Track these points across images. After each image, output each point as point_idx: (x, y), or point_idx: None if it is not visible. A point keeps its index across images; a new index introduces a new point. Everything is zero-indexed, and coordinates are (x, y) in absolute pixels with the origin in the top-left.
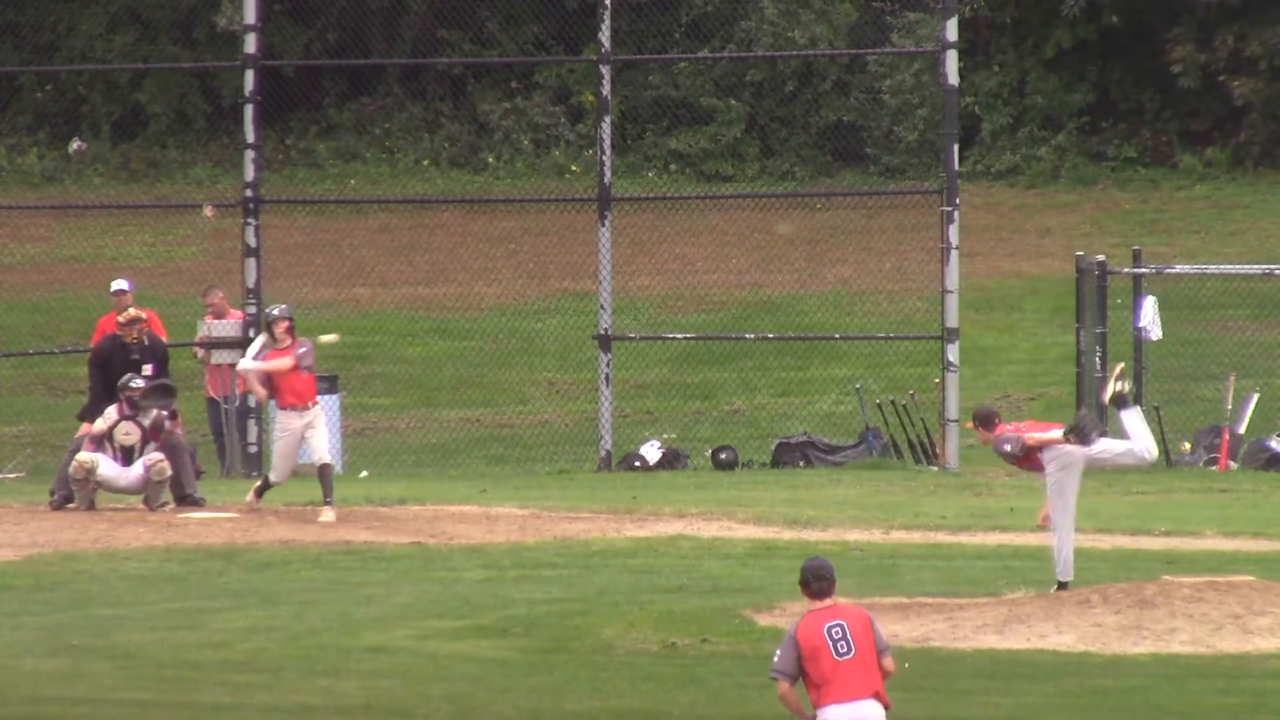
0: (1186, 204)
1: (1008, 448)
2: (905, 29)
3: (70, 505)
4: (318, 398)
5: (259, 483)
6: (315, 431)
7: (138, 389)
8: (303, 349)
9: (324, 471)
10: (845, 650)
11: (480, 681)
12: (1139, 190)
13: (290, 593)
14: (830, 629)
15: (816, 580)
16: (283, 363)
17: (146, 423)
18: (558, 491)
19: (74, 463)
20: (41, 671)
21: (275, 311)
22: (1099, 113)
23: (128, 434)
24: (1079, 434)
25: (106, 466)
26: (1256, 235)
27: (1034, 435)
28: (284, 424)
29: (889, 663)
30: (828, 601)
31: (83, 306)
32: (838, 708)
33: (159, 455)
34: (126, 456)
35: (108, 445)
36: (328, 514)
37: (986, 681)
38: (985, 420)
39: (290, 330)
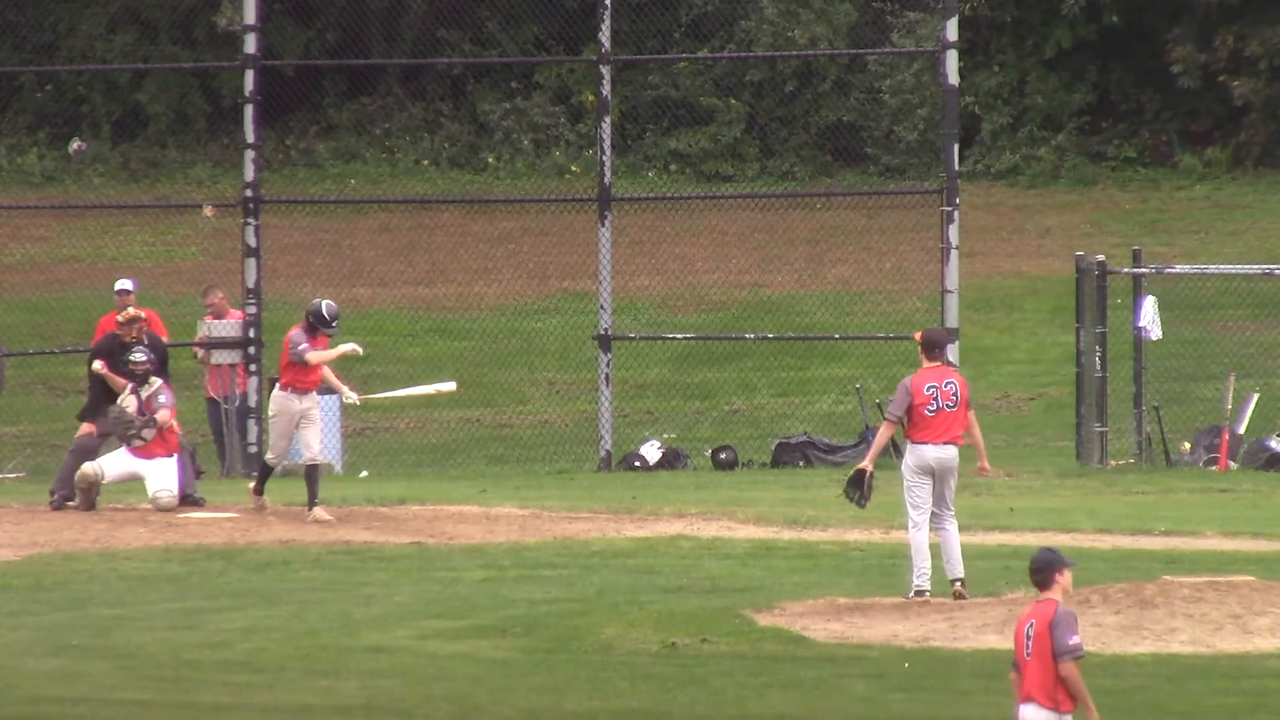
0: (1186, 204)
1: (893, 402)
2: (905, 29)
3: (71, 504)
4: (316, 396)
5: (255, 479)
6: (311, 425)
7: (141, 363)
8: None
9: (312, 472)
10: (1027, 651)
11: (480, 681)
12: (1139, 190)
13: (290, 593)
14: (1027, 627)
15: (1034, 574)
16: (348, 347)
17: (145, 395)
18: (558, 491)
19: (79, 473)
20: (41, 671)
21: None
22: (1099, 113)
23: (128, 406)
24: (849, 490)
25: (113, 468)
26: (1256, 235)
27: (885, 433)
28: (282, 404)
29: (1063, 668)
30: (1043, 595)
31: (83, 306)
32: (1019, 706)
33: (168, 495)
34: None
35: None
36: (319, 513)
37: (986, 681)
38: (928, 346)
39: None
